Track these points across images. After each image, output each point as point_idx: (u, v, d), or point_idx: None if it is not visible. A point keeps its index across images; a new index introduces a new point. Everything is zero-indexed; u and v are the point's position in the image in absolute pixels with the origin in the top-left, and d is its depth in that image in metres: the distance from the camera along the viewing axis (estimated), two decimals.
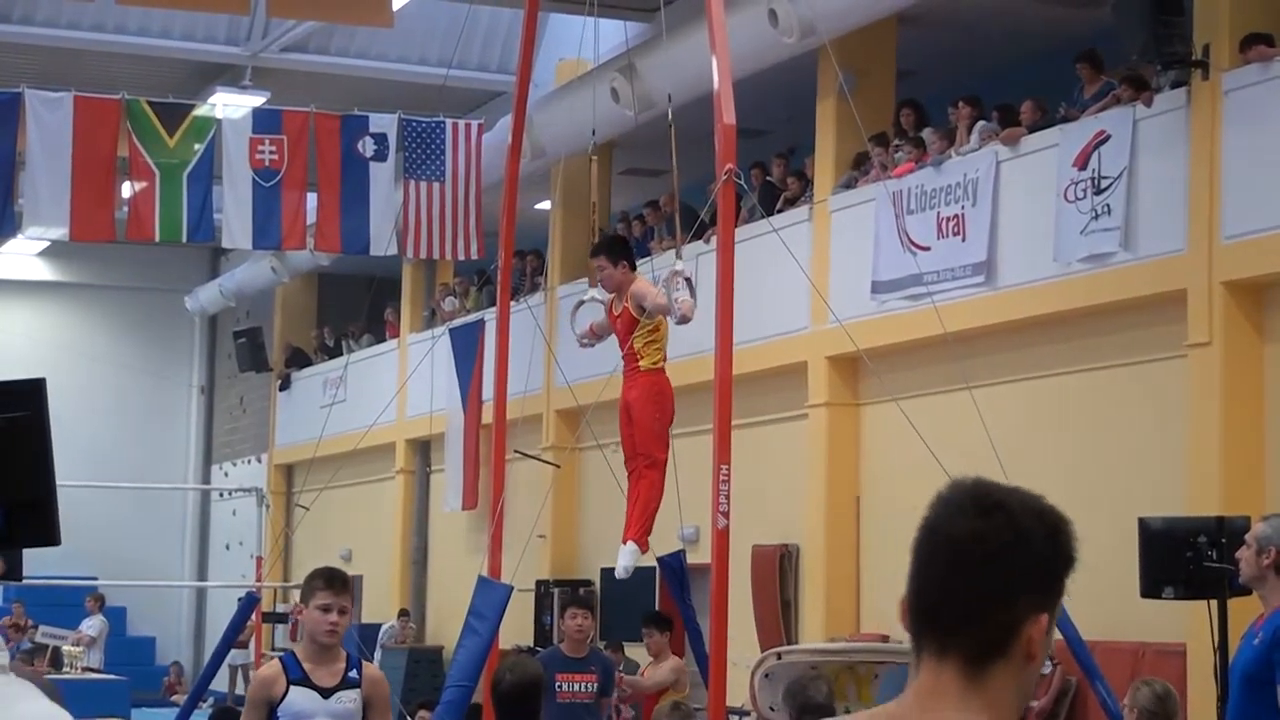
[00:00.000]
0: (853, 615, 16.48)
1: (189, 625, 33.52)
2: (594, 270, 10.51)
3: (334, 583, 6.77)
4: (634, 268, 10.47)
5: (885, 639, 15.70)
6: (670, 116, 10.95)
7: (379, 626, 24.52)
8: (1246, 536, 6.91)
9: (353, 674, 6.81)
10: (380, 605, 25.87)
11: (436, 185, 16.95)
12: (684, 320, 9.89)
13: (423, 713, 12.38)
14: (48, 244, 27.80)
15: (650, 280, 10.82)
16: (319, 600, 6.69)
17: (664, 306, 9.98)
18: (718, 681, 8.69)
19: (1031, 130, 14.71)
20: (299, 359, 30.40)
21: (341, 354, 27.97)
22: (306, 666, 6.78)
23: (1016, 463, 11.98)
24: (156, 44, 22.02)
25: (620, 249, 10.57)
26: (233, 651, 18.60)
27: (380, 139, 16.90)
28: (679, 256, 10.24)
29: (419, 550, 26.13)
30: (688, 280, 9.98)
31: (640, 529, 10.20)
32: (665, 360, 10.36)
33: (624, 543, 10.24)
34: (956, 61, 17.52)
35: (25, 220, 16.24)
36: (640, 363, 10.21)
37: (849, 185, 16.81)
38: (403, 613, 24.97)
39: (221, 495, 31.99)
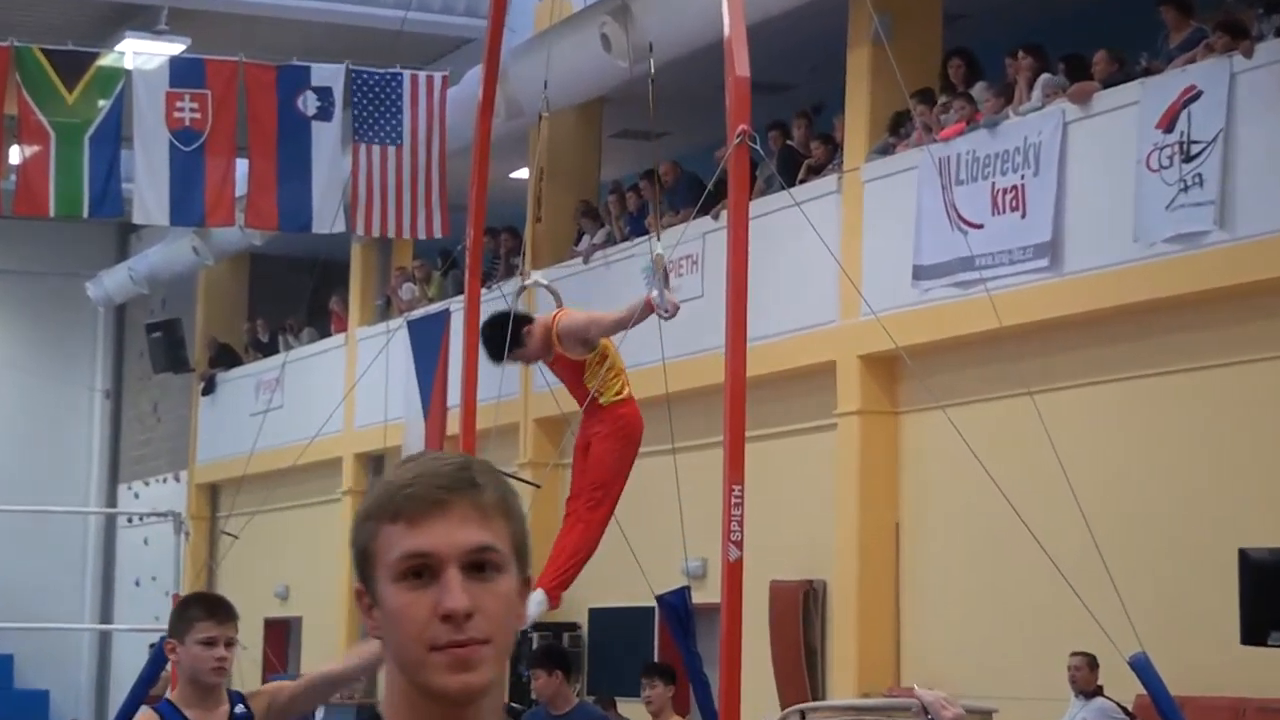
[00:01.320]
0: (891, 664, 16.49)
1: (90, 676, 33.52)
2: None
3: (217, 611, 6.76)
4: (530, 321, 10.22)
5: None
6: (652, 69, 10.95)
7: None
8: None
9: (240, 709, 6.81)
10: (323, 652, 25.85)
11: (392, 149, 16.96)
12: (673, 314, 9.86)
13: None
14: None
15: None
16: (201, 633, 6.66)
17: (631, 314, 9.85)
18: None
19: (1106, 85, 14.73)
20: (226, 357, 30.41)
21: (278, 351, 28.00)
22: (190, 714, 6.79)
23: (1086, 483, 12.00)
24: None
25: (517, 324, 10.23)
26: (144, 709, 18.58)
27: (324, 94, 16.90)
28: (658, 238, 10.26)
29: None
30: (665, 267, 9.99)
31: (557, 576, 10.03)
32: (628, 384, 10.25)
33: (533, 589, 10.13)
34: (1015, 3, 17.53)
35: None
36: (601, 399, 10.11)
37: (885, 151, 16.84)
38: None
39: (130, 521, 31.95)
